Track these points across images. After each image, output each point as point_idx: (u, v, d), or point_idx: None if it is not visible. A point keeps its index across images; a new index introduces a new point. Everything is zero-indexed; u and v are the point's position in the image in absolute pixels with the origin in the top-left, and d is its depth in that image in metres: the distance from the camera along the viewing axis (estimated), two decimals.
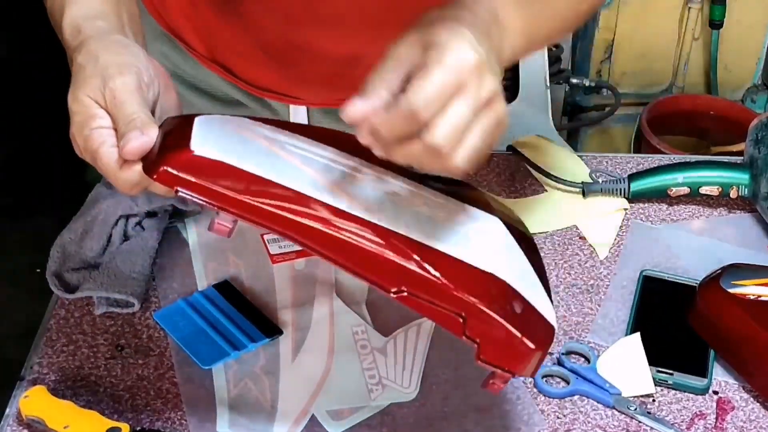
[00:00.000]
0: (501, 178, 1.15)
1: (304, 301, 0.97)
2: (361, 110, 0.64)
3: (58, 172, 2.72)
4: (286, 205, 0.69)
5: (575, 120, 2.50)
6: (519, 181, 1.15)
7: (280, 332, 0.93)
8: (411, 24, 0.70)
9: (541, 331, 0.74)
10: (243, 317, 0.94)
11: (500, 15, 0.74)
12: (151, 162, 0.70)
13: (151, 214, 1.02)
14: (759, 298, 0.90)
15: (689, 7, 2.35)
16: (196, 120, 0.75)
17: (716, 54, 2.40)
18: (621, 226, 1.09)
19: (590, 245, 1.06)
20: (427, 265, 0.70)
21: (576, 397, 0.89)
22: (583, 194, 1.12)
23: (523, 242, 0.80)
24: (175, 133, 0.72)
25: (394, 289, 0.68)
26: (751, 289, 0.91)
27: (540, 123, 2.21)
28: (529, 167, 1.16)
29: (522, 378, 0.90)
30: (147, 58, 0.77)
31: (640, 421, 0.86)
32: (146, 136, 0.70)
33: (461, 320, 0.69)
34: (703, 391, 0.90)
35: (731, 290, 0.91)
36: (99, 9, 0.82)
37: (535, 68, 2.23)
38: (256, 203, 0.68)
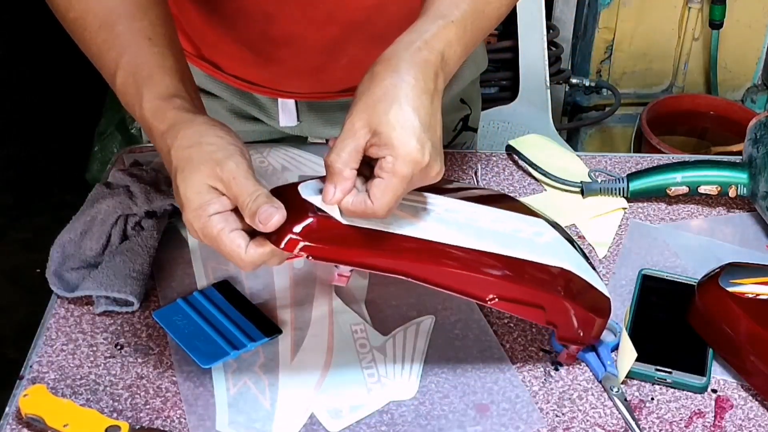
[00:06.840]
0: (500, 178, 1.16)
1: (304, 300, 0.97)
2: (335, 199, 0.75)
3: (58, 172, 2.73)
4: (400, 250, 0.78)
5: (575, 120, 2.51)
6: (518, 181, 1.15)
7: (280, 331, 0.93)
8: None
9: (601, 304, 0.89)
10: (242, 316, 0.94)
11: (445, 53, 0.79)
12: (277, 234, 0.75)
13: (150, 214, 1.02)
14: (757, 297, 0.90)
15: (689, 7, 2.35)
16: (300, 187, 0.79)
17: (716, 54, 2.40)
18: (620, 226, 1.09)
19: (589, 244, 1.06)
20: (509, 273, 0.82)
21: (575, 396, 0.89)
22: (582, 194, 1.12)
23: (563, 234, 0.93)
24: (290, 203, 0.77)
25: (488, 298, 0.81)
26: (749, 288, 0.91)
27: (540, 123, 2.22)
28: (528, 166, 1.16)
29: (521, 379, 0.90)
30: (234, 133, 0.81)
31: (617, 407, 0.87)
32: (282, 210, 0.75)
33: (543, 311, 0.84)
34: (702, 390, 0.90)
35: (730, 289, 0.91)
36: (175, 86, 0.84)
37: (535, 68, 2.23)
38: (375, 255, 0.77)
